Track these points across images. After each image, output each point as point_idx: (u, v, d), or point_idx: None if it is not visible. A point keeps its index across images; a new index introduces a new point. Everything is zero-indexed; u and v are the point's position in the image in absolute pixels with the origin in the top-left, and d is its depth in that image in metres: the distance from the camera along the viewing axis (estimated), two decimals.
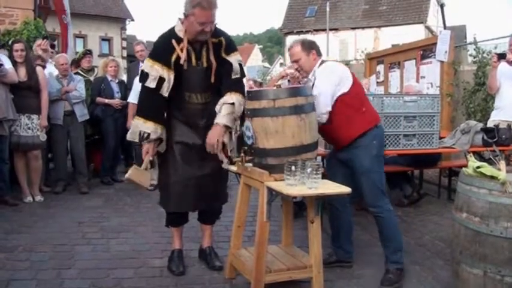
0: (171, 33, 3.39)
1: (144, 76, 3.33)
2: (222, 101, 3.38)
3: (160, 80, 3.30)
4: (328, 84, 3.39)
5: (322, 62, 3.58)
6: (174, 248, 3.76)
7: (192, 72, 3.40)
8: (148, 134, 3.33)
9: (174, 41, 3.33)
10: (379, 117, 3.71)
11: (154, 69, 3.30)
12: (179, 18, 3.38)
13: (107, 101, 6.85)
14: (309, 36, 30.98)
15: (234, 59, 3.49)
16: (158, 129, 3.38)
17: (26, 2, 9.91)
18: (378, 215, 3.49)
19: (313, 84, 3.42)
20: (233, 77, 3.46)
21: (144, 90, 3.39)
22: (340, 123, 3.41)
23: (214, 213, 3.86)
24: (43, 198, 5.86)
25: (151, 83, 3.30)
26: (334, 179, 3.23)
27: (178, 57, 3.33)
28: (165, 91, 3.33)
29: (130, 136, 3.43)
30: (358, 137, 3.42)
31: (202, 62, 3.42)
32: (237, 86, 3.46)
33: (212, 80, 3.45)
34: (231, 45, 3.51)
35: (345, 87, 3.42)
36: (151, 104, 3.40)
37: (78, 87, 6.33)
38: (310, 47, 3.57)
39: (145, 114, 3.38)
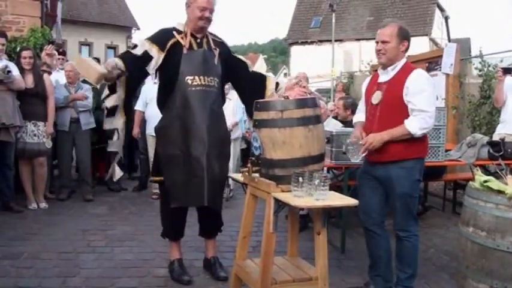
0: (172, 28, 3.61)
1: (133, 46, 3.61)
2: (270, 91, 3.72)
3: (148, 56, 3.43)
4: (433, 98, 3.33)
5: (408, 63, 3.36)
6: (174, 258, 3.74)
7: (192, 54, 3.51)
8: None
9: (174, 32, 3.53)
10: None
11: (144, 45, 3.47)
12: (178, 23, 3.63)
13: None
14: (314, 47, 31.14)
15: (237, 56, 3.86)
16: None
17: (33, 9, 9.97)
18: (405, 239, 3.33)
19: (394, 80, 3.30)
20: (251, 70, 3.81)
21: (127, 53, 3.58)
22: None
23: (216, 226, 3.86)
24: (48, 205, 5.87)
25: (138, 51, 3.45)
26: (366, 198, 3.16)
27: (175, 43, 3.49)
28: (151, 68, 3.48)
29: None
30: (406, 159, 3.26)
31: (203, 47, 3.56)
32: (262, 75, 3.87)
33: (215, 62, 3.55)
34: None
35: None
36: (129, 56, 3.48)
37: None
38: (405, 36, 3.31)
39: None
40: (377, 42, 3.33)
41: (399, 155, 3.25)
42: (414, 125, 3.18)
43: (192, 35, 3.54)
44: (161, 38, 3.51)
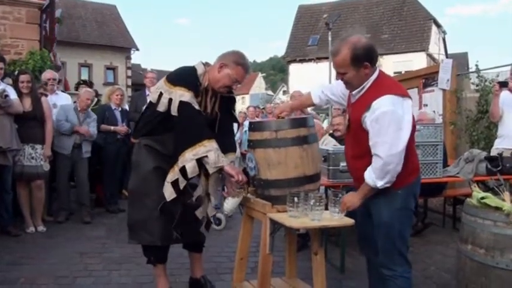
0: (196, 77, 3.30)
1: (186, 104, 3.15)
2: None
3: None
4: (395, 136, 2.63)
5: (380, 77, 2.80)
6: None
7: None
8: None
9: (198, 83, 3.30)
10: (419, 169, 2.99)
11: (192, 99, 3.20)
12: (202, 62, 3.37)
13: (112, 128, 6.90)
14: (312, 65, 31.29)
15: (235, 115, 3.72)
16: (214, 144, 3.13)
17: (32, 32, 10.08)
18: (389, 279, 2.85)
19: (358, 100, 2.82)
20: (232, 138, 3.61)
21: (191, 115, 3.16)
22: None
23: (201, 242, 3.71)
24: (45, 228, 5.82)
25: (196, 106, 3.20)
26: (358, 224, 2.93)
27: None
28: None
29: (191, 171, 3.12)
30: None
31: (212, 113, 3.40)
32: (235, 146, 3.58)
33: (216, 130, 3.38)
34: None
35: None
36: (202, 126, 3.22)
37: (91, 126, 6.40)
38: (363, 58, 2.71)
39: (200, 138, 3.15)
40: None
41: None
42: (371, 178, 2.71)
43: (206, 89, 3.34)
44: (195, 86, 3.26)
